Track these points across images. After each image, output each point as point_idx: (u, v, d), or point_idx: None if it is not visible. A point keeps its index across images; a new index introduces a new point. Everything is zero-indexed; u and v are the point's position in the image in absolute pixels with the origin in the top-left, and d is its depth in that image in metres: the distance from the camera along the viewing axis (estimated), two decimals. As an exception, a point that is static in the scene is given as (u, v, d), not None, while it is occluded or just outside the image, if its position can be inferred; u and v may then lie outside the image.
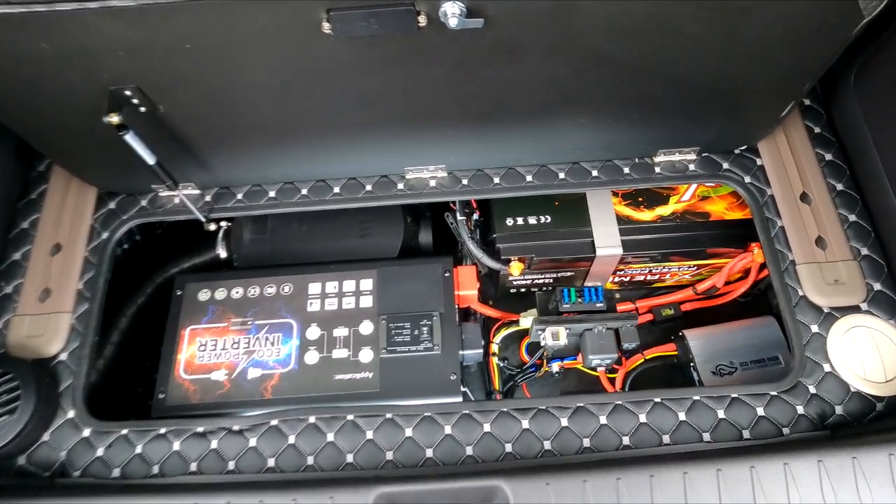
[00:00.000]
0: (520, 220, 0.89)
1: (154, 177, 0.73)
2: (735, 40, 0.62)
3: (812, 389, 0.70)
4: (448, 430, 0.70)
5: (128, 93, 0.62)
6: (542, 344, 0.81)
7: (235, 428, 0.70)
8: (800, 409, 0.69)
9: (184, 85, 0.63)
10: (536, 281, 0.96)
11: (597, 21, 0.58)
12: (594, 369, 0.90)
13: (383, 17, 0.55)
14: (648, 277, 0.96)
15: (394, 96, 0.68)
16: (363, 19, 0.55)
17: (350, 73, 0.63)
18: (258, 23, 0.56)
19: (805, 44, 0.64)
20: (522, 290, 0.99)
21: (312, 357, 0.79)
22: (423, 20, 0.56)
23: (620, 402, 0.71)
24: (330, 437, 0.70)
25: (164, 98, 0.65)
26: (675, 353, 0.92)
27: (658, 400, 0.71)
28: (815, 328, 0.73)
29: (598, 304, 0.82)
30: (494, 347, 0.93)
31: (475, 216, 0.93)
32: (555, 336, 0.80)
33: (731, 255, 0.90)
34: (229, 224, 0.94)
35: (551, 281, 0.95)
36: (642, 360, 0.92)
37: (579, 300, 0.82)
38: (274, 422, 0.71)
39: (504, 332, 0.94)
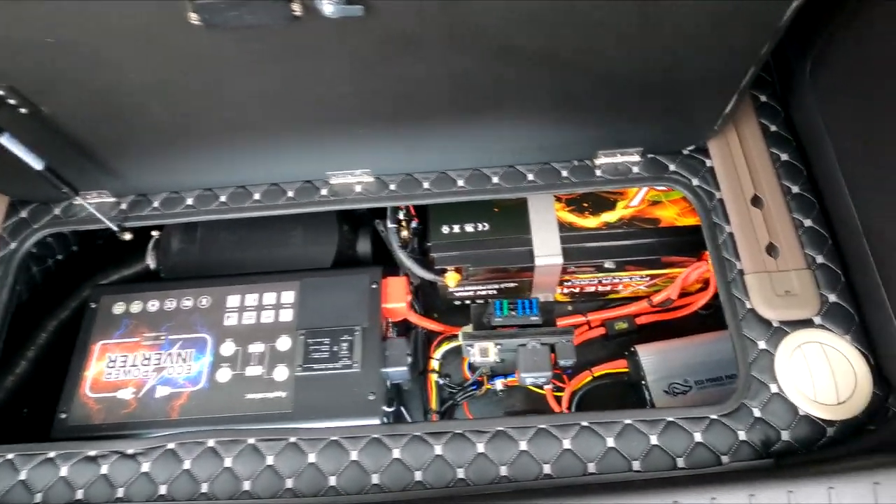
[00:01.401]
0: (456, 228, 0.84)
1: (52, 183, 0.69)
2: (654, 28, 0.56)
3: (756, 413, 0.63)
4: (354, 455, 0.64)
5: (1, 92, 0.58)
6: (471, 361, 0.75)
7: (129, 452, 0.66)
8: (742, 435, 0.62)
9: (61, 84, 0.59)
10: (480, 292, 0.90)
11: (492, 9, 0.53)
12: (540, 387, 0.84)
13: (253, 7, 0.51)
14: (599, 288, 0.90)
15: (293, 94, 0.63)
16: (232, 8, 0.51)
17: (237, 69, 0.59)
18: (121, 15, 0.51)
19: (734, 31, 0.58)
20: (468, 301, 0.93)
21: (225, 375, 0.74)
22: (298, 9, 0.51)
23: (544, 426, 0.65)
24: (228, 462, 0.65)
25: (44, 98, 0.61)
26: (627, 369, 0.86)
27: (586, 424, 0.64)
28: (762, 344, 0.66)
29: (532, 318, 0.76)
30: (434, 363, 0.88)
31: (414, 223, 0.88)
32: (483, 353, 0.74)
33: (685, 264, 0.84)
34: (160, 233, 0.90)
35: (495, 292, 0.90)
36: (590, 377, 0.86)
37: (512, 313, 0.76)
38: (171, 445, 0.66)
39: (446, 347, 0.88)
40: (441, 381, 0.88)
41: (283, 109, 0.66)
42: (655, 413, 0.64)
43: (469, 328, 0.80)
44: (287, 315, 0.78)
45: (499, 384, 0.87)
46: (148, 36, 0.54)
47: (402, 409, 0.86)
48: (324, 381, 0.73)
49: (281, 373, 0.74)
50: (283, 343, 0.76)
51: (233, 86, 0.61)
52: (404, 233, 0.86)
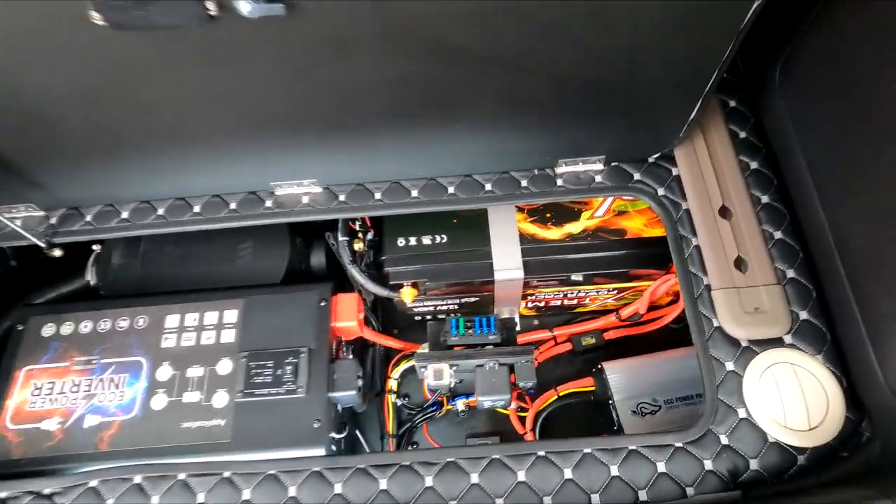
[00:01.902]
0: (412, 241, 0.79)
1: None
2: (608, 29, 0.52)
3: (724, 439, 0.59)
4: (293, 491, 0.59)
5: None
6: (426, 384, 0.70)
7: (46, 491, 0.60)
8: (708, 465, 0.58)
9: (-40, 90, 0.54)
10: (440, 307, 0.85)
11: (430, 8, 0.48)
12: (505, 408, 0.80)
13: (161, 6, 0.46)
14: (565, 302, 0.86)
15: (223, 100, 0.58)
16: (137, 7, 0.46)
17: (156, 73, 0.54)
18: (14, 13, 0.46)
19: (694, 32, 0.54)
20: (428, 317, 0.88)
21: (160, 401, 0.69)
22: (213, 8, 0.46)
23: (498, 457, 0.60)
24: (154, 500, 0.59)
25: (-56, 106, 0.55)
26: (593, 388, 0.82)
27: (542, 454, 0.60)
28: (730, 365, 0.62)
29: (490, 337, 0.71)
30: (392, 383, 0.83)
31: (369, 235, 0.83)
32: (438, 375, 0.69)
33: (654, 276, 0.80)
34: (101, 247, 0.85)
35: (456, 307, 0.85)
36: (555, 396, 0.81)
37: (469, 331, 0.72)
38: (93, 483, 0.61)
39: (405, 365, 0.84)
40: (399, 402, 0.84)
41: (215, 116, 0.61)
42: (617, 441, 0.60)
43: (425, 348, 0.75)
44: (229, 336, 0.73)
45: (460, 404, 0.82)
46: (48, 37, 0.49)
47: (358, 433, 0.81)
48: (265, 408, 0.68)
49: (220, 399, 0.69)
50: (224, 366, 0.71)
51: (155, 91, 0.56)
52: (359, 245, 0.81)
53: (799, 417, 0.59)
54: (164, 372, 0.71)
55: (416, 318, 0.88)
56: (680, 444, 0.59)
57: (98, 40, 0.49)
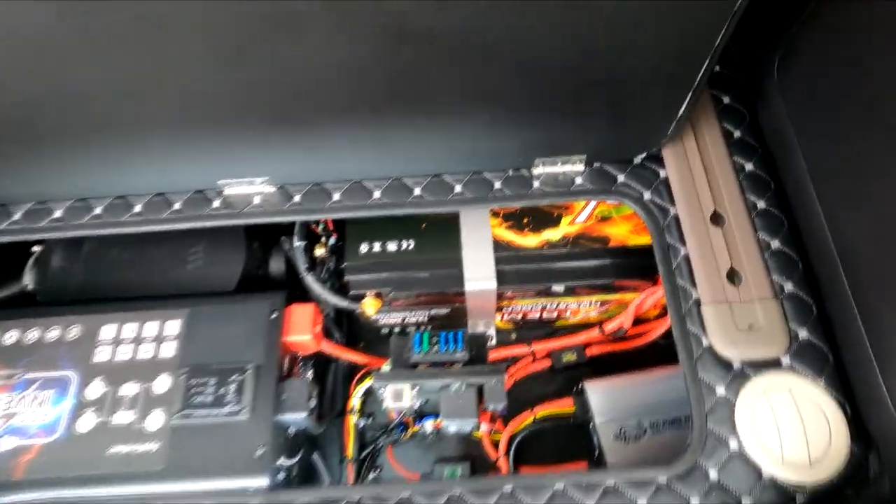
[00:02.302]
0: (377, 246, 0.73)
1: None
2: (584, 14, 0.46)
3: (713, 475, 0.53)
4: (225, 530, 0.52)
5: None
6: (384, 407, 0.63)
7: (-56, 526, 0.53)
8: (694, 503, 0.52)
9: None
10: (409, 320, 0.79)
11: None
12: (473, 433, 0.73)
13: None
14: (545, 315, 0.79)
15: (156, 86, 0.52)
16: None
17: (72, 51, 0.47)
18: None
19: (682, 15, 0.48)
20: (397, 329, 0.81)
21: (88, 422, 0.62)
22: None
23: (459, 493, 0.53)
24: (67, 539, 0.52)
25: None
26: (573, 409, 0.75)
27: (508, 490, 0.53)
28: (721, 390, 0.56)
29: (458, 354, 0.64)
30: (355, 402, 0.76)
31: (332, 240, 0.76)
32: (397, 396, 0.63)
33: (640, 288, 0.73)
34: (41, 248, 0.78)
35: (425, 320, 0.78)
36: (532, 419, 0.74)
37: (434, 348, 0.65)
38: (-1, 517, 0.53)
39: (369, 382, 0.77)
40: (362, 423, 0.77)
41: (147, 104, 0.55)
42: (592, 475, 0.53)
43: (388, 365, 0.68)
44: (169, 349, 0.66)
45: (428, 426, 0.75)
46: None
47: (317, 458, 0.74)
48: (204, 432, 0.61)
49: (155, 420, 0.62)
50: (162, 384, 0.64)
51: (74, 74, 0.50)
52: (320, 251, 0.74)
53: (798, 450, 0.52)
54: (95, 389, 0.64)
55: (383, 330, 0.82)
56: (664, 480, 0.53)
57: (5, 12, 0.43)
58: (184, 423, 0.61)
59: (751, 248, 0.61)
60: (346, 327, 0.82)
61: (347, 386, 0.78)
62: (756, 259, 0.61)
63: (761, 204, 0.64)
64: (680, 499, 0.52)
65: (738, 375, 0.56)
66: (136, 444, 0.61)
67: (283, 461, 0.63)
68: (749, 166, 0.66)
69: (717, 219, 0.63)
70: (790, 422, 0.53)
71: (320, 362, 0.78)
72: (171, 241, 0.75)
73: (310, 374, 0.75)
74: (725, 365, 0.57)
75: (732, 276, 0.60)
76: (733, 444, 0.53)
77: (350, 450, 0.74)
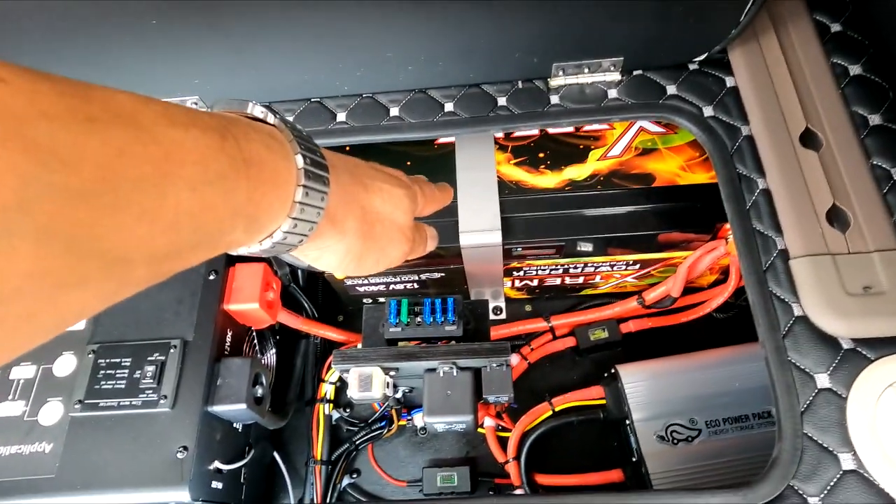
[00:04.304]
0: (348, 191, 0.56)
1: None
2: None
3: (814, 503, 0.36)
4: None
5: None
6: (349, 396, 0.48)
7: None
8: (789, 548, 0.35)
9: None
10: (395, 286, 0.62)
11: None
12: (468, 431, 0.57)
13: None
14: (568, 281, 0.62)
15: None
16: None
17: None
18: None
19: None
20: (381, 299, 0.66)
21: (-36, 414, 0.48)
22: None
23: (439, 521, 0.37)
24: None
25: None
26: (604, 401, 0.58)
27: (509, 518, 0.37)
28: (823, 379, 0.38)
29: (448, 327, 0.48)
30: (327, 389, 0.61)
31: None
32: (365, 383, 0.46)
33: (693, 244, 0.56)
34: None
35: (415, 286, 0.62)
36: (549, 412, 0.58)
37: (416, 319, 0.48)
38: None
39: (346, 365, 0.61)
40: (336, 416, 0.61)
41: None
42: (632, 501, 0.37)
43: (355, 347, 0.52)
44: (79, 322, 0.51)
45: (418, 419, 0.60)
46: None
47: (277, 458, 0.59)
48: (110, 428, 0.46)
49: (51, 413, 0.47)
50: (65, 364, 0.49)
51: None
52: (281, 200, 0.59)
53: (948, 471, 0.35)
54: (-21, 371, 0.50)
55: (365, 300, 0.66)
56: (741, 511, 0.36)
57: None
58: (86, 415, 0.47)
59: (862, 179, 0.43)
60: (322, 297, 0.66)
61: (319, 369, 0.63)
62: (871, 194, 0.43)
63: (874, 119, 0.45)
64: (766, 541, 0.35)
65: (849, 359, 0.38)
66: (24, 445, 0.46)
67: (215, 466, 0.48)
68: (855, 69, 0.47)
69: (810, 139, 0.45)
70: (933, 428, 0.36)
71: (288, 340, 0.63)
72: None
73: (270, 354, 0.61)
74: (829, 343, 0.39)
75: (836, 217, 0.42)
76: (846, 459, 0.36)
77: (318, 449, 0.58)
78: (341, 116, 0.51)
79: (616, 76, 0.49)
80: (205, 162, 0.21)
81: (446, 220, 0.54)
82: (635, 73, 0.50)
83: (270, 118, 0.27)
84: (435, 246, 0.41)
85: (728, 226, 0.50)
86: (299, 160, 0.27)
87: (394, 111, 0.50)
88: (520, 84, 0.50)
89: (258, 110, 0.27)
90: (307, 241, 0.29)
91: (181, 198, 0.20)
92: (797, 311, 0.40)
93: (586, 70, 0.49)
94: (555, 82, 0.50)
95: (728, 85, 0.48)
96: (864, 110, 0.46)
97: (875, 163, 0.44)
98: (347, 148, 0.58)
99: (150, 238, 0.19)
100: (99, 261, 0.18)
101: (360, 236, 0.32)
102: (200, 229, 0.22)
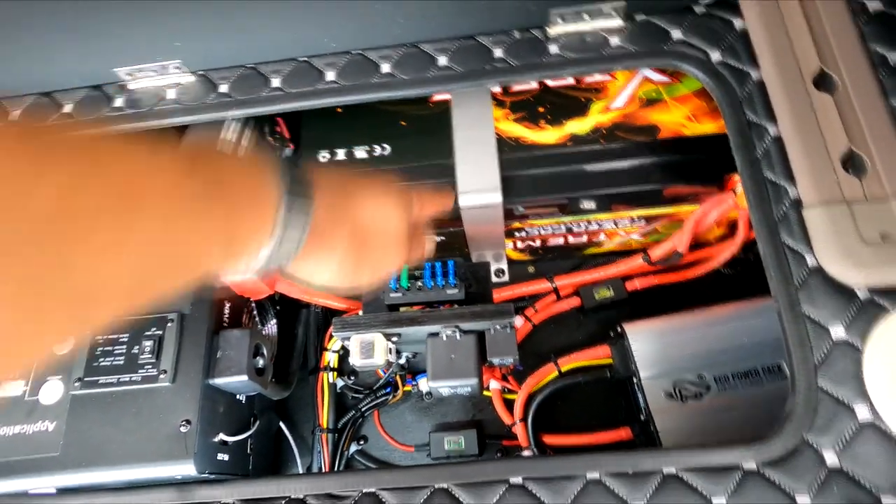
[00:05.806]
0: (340, 154, 0.55)
1: None
2: None
3: (830, 458, 0.35)
4: (121, 541, 0.38)
5: None
6: (351, 363, 0.47)
7: None
8: (802, 501, 0.34)
9: None
10: (394, 252, 0.61)
11: None
12: (473, 395, 0.56)
13: None
14: (571, 240, 0.61)
15: None
16: None
17: None
18: None
19: None
20: (382, 265, 0.64)
21: (-36, 395, 0.48)
22: None
23: (445, 486, 0.37)
24: (-87, 555, 0.39)
25: None
26: (610, 360, 0.57)
27: (517, 481, 0.36)
28: (838, 331, 0.37)
29: (449, 291, 0.47)
30: (330, 357, 0.60)
31: (287, 151, 0.59)
32: (366, 350, 0.46)
33: (700, 197, 0.54)
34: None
35: (415, 251, 0.61)
36: (555, 373, 0.57)
37: (417, 283, 0.47)
38: None
39: (349, 333, 0.60)
40: (340, 384, 0.61)
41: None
42: (643, 459, 0.36)
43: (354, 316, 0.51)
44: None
45: (423, 384, 0.59)
46: None
47: (283, 428, 0.59)
48: (112, 404, 0.46)
49: (52, 391, 0.47)
50: (63, 342, 0.49)
51: None
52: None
53: (967, 420, 0.34)
54: (-21, 351, 0.49)
55: (365, 267, 0.64)
56: (752, 466, 0.35)
57: None
58: (87, 392, 0.46)
59: (880, 121, 0.41)
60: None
61: (321, 337, 0.63)
62: (890, 136, 0.40)
63: (894, 58, 0.43)
64: (780, 494, 0.34)
65: (865, 310, 0.37)
66: (27, 424, 0.46)
67: (220, 438, 0.47)
68: (874, 4, 0.45)
69: (824, 81, 0.43)
70: (952, 377, 0.35)
71: (289, 310, 0.63)
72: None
73: (271, 324, 0.60)
74: (845, 294, 0.38)
75: (852, 162, 0.40)
76: (862, 412, 0.35)
77: (324, 418, 0.58)
78: (330, 76, 0.48)
79: (618, 22, 0.47)
80: None
81: (444, 182, 0.52)
82: (638, 18, 0.47)
83: None
84: (432, 253, 0.42)
85: (737, 177, 0.48)
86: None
87: (385, 68, 0.48)
88: (517, 34, 0.48)
89: None
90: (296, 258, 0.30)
91: None
92: (811, 262, 0.39)
93: (586, 16, 0.46)
94: (553, 31, 0.47)
95: (736, 27, 0.46)
96: (883, 49, 0.43)
97: (893, 103, 0.41)
98: (339, 109, 0.56)
99: None
100: None
101: (352, 249, 0.33)
102: None
